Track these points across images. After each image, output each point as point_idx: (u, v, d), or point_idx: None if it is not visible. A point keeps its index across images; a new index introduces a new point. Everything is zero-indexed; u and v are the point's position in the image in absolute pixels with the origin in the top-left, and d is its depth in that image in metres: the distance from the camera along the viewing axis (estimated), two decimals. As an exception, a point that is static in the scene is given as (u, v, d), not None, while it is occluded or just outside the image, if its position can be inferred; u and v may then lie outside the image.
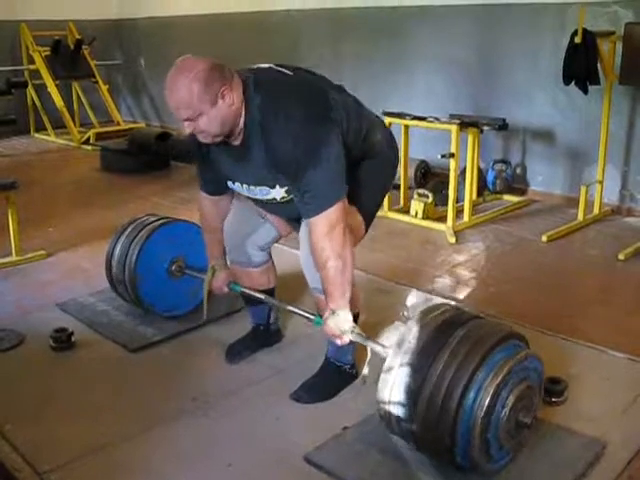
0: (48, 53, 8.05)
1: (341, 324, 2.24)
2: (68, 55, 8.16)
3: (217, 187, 2.54)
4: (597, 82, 4.44)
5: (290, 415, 2.49)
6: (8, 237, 4.04)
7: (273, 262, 2.84)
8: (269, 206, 2.47)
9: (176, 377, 2.77)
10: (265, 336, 2.94)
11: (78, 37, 8.30)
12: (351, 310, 2.35)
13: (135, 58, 9.30)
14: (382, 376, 2.01)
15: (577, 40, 4.28)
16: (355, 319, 2.54)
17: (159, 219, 3.20)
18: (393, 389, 1.99)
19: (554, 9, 5.01)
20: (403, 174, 4.95)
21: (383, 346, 2.13)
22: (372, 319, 3.07)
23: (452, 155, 4.42)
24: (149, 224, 3.13)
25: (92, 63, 8.40)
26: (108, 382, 2.74)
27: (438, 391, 1.91)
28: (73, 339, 2.98)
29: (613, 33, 4.47)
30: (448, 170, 4.56)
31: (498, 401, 1.91)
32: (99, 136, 7.82)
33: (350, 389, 2.62)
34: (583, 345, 2.97)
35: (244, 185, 2.38)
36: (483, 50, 5.57)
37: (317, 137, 2.15)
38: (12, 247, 4.04)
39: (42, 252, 4.16)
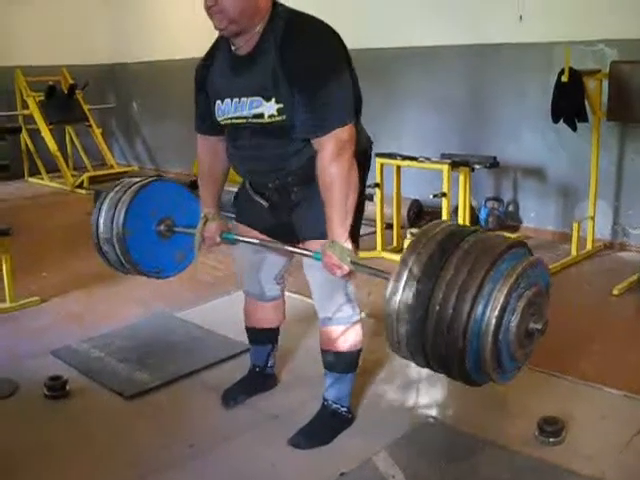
0: (42, 98, 8.12)
1: (340, 253, 2.23)
2: (62, 100, 8.22)
3: (212, 124, 2.51)
4: (585, 119, 4.50)
5: (287, 461, 2.47)
6: (2, 284, 4.03)
7: (285, 301, 2.85)
8: (247, 140, 2.39)
9: (173, 424, 2.76)
10: (261, 380, 2.93)
11: (71, 82, 8.38)
12: (355, 347, 2.37)
13: (128, 101, 9.39)
14: (388, 296, 1.94)
15: (564, 79, 4.35)
16: (357, 357, 2.56)
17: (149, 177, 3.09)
18: (400, 307, 1.92)
19: (541, 48, 5.09)
20: (396, 213, 4.98)
21: (385, 274, 2.06)
22: (370, 358, 3.10)
23: (444, 195, 4.45)
24: (138, 181, 2.97)
25: (85, 107, 8.46)
26: (104, 431, 2.72)
27: (447, 304, 1.85)
28: (68, 387, 2.96)
29: (599, 71, 4.54)
30: (441, 209, 4.59)
31: (508, 309, 1.86)
32: (93, 179, 7.86)
33: (347, 433, 2.61)
34: (580, 383, 2.97)
35: (234, 100, 2.33)
36: (472, 89, 5.65)
37: (340, 58, 2.25)
38: (6, 294, 4.03)
39: (36, 298, 4.15)
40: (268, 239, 2.55)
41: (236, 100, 2.34)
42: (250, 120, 2.32)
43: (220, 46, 2.44)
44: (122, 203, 2.78)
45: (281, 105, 2.23)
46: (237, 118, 2.36)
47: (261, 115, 2.28)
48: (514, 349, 1.93)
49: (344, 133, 2.21)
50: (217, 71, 2.43)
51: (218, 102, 2.41)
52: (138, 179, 2.94)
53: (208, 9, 2.22)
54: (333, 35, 2.27)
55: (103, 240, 2.83)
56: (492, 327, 1.83)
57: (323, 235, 2.30)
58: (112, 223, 2.77)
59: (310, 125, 2.22)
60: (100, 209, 2.81)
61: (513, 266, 1.89)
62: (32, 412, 2.87)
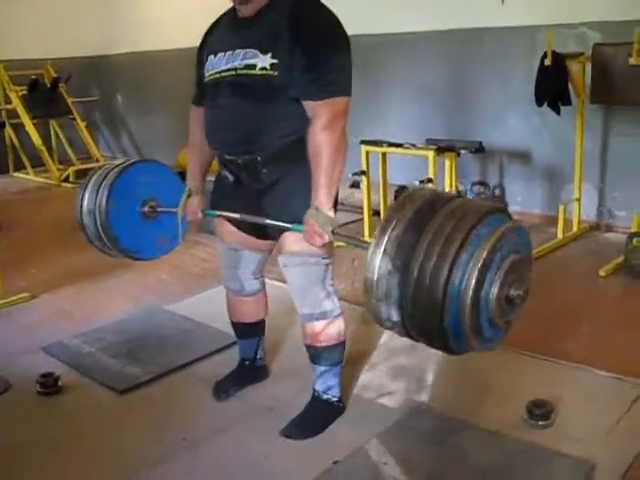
0: (25, 92, 8.06)
1: (323, 221, 2.22)
2: (45, 93, 8.16)
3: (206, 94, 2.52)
4: (569, 102, 4.52)
5: (280, 452, 2.49)
6: (-8, 280, 4.02)
7: (266, 294, 2.85)
8: (227, 99, 2.36)
9: (166, 417, 2.77)
10: (252, 372, 2.94)
11: (54, 75, 8.32)
12: (338, 340, 2.38)
13: (112, 94, 9.34)
14: (367, 262, 1.91)
15: (547, 62, 4.36)
16: (342, 349, 2.58)
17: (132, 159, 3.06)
18: (380, 277, 1.89)
19: (524, 32, 5.10)
20: (383, 200, 4.99)
21: (366, 244, 2.03)
22: (356, 347, 3.12)
23: (430, 180, 4.46)
24: (124, 162, 2.94)
25: (69, 100, 8.41)
26: (97, 426, 2.73)
27: (424, 273, 1.82)
28: (60, 383, 2.97)
29: (582, 54, 4.55)
30: (427, 195, 4.59)
31: (488, 273, 1.84)
32: (78, 173, 7.81)
33: (338, 422, 2.63)
34: (568, 365, 3.00)
35: (227, 53, 2.34)
36: (457, 74, 5.65)
37: (345, 39, 2.28)
38: (-4, 290, 4.03)
39: (26, 294, 4.15)
40: (249, 216, 2.47)
41: (229, 53, 2.34)
42: (239, 71, 2.30)
43: (223, 19, 2.49)
44: (108, 179, 2.77)
45: (276, 61, 2.23)
46: (226, 71, 2.34)
47: (253, 66, 2.26)
48: (494, 315, 1.90)
49: (341, 104, 2.23)
50: (216, 34, 2.47)
51: (211, 57, 2.42)
52: (123, 160, 2.93)
53: None
54: (339, 21, 2.30)
55: (86, 212, 2.81)
56: (471, 290, 1.80)
57: (295, 216, 2.29)
58: (97, 195, 2.76)
59: (312, 86, 2.22)
60: (86, 186, 2.82)
61: (493, 230, 1.87)
62: (25, 409, 2.88)
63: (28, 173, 8.33)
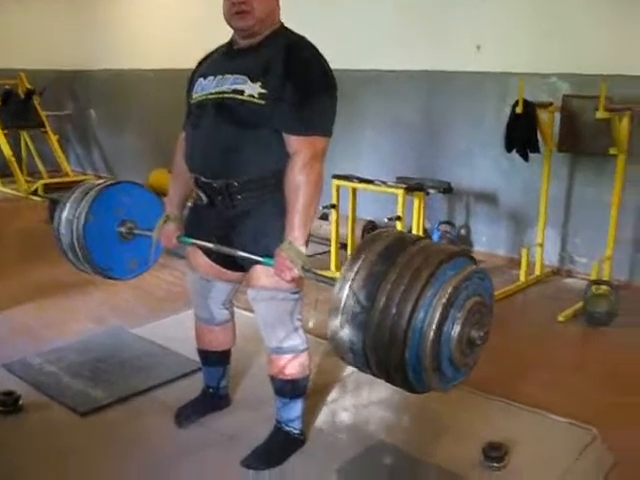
0: (-3, 102, 8.04)
1: (294, 256, 2.25)
2: (18, 105, 8.16)
3: None
4: (537, 150, 4.65)
5: (240, 482, 2.50)
6: (-46, 293, 4.00)
7: (234, 323, 2.87)
8: (211, 119, 2.38)
9: (127, 442, 2.76)
10: (214, 400, 2.95)
11: (28, 87, 8.30)
12: (303, 374, 2.44)
13: (86, 109, 9.32)
14: (332, 303, 1.95)
15: (518, 110, 4.49)
16: (306, 382, 2.62)
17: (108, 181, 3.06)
18: (343, 315, 1.93)
19: (496, 78, 5.25)
20: (351, 234, 5.05)
21: (332, 280, 2.06)
22: (319, 381, 3.15)
23: (399, 218, 4.54)
24: (108, 181, 2.99)
25: (42, 113, 8.39)
26: (57, 449, 2.71)
27: (387, 313, 1.86)
28: (20, 402, 2.95)
29: (551, 104, 4.69)
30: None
31: (449, 318, 1.87)
32: (48, 187, 7.78)
33: (298, 455, 2.65)
34: (524, 409, 3.06)
35: (217, 77, 2.39)
36: (429, 114, 5.77)
37: (333, 82, 2.37)
38: (-42, 304, 4.01)
39: (-12, 309, 4.12)
40: (222, 247, 2.48)
41: (219, 77, 2.39)
42: (226, 95, 2.34)
43: (218, 49, 2.55)
44: (91, 193, 2.79)
45: (265, 91, 2.27)
46: (214, 94, 2.38)
47: (241, 92, 2.31)
48: (455, 353, 1.93)
49: (322, 143, 2.30)
50: (209, 61, 2.53)
51: (200, 79, 2.46)
52: (108, 178, 2.95)
53: (234, 7, 2.31)
54: (330, 69, 2.38)
55: (64, 222, 2.81)
56: (434, 324, 1.84)
57: (266, 249, 2.32)
58: (78, 207, 2.77)
59: (296, 121, 2.28)
60: (69, 197, 2.83)
61: (460, 270, 1.92)
62: (-17, 427, 2.86)
63: (-5, 183, 8.27)
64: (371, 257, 1.95)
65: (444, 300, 1.85)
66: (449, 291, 1.86)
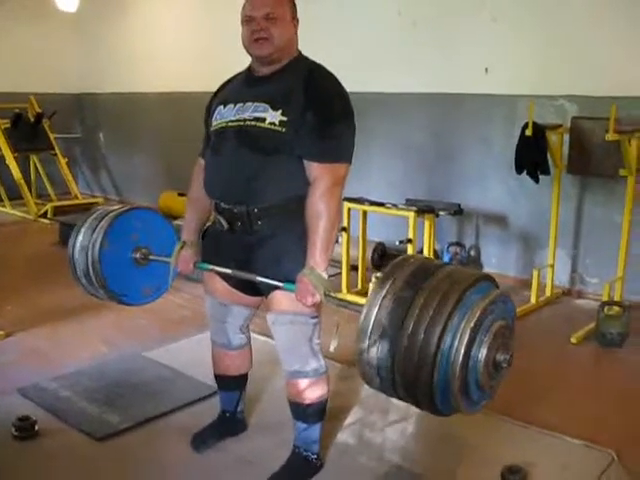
0: (8, 125, 8.09)
1: (316, 281, 2.27)
2: (28, 128, 8.22)
3: None
4: (547, 172, 4.67)
5: (258, 507, 2.51)
6: (-34, 317, 4.01)
7: (251, 348, 2.87)
8: (231, 149, 2.40)
9: (144, 467, 2.76)
10: (231, 425, 2.95)
11: (38, 110, 8.36)
12: (322, 398, 2.45)
13: (94, 132, 9.40)
14: (359, 331, 1.98)
15: (528, 133, 4.51)
16: (324, 407, 2.61)
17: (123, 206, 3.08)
18: (371, 342, 1.96)
19: (505, 100, 5.29)
20: (361, 256, 5.07)
21: (349, 303, 2.11)
22: (336, 404, 3.14)
23: (409, 241, 4.55)
24: (122, 207, 3.00)
25: (52, 136, 8.45)
26: (75, 474, 2.71)
27: (416, 336, 1.89)
28: (37, 428, 2.96)
29: (560, 126, 4.72)
30: (404, 252, 4.68)
31: (476, 342, 1.91)
32: (57, 210, 7.83)
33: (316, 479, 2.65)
34: (540, 432, 3.05)
35: (237, 105, 2.41)
36: (439, 136, 5.80)
37: (352, 111, 2.42)
38: (-30, 328, 4.01)
39: (0, 332, 4.12)
40: (240, 272, 2.48)
41: (240, 105, 2.41)
42: (247, 123, 2.36)
43: (237, 76, 2.58)
44: (106, 219, 2.81)
45: (285, 119, 2.30)
46: (234, 121, 2.40)
47: (262, 119, 2.33)
48: (482, 376, 1.97)
49: (342, 170, 2.35)
50: (229, 88, 2.56)
51: (220, 107, 2.49)
52: (123, 205, 2.97)
53: (254, 35, 2.34)
54: (349, 97, 2.44)
55: (79, 248, 2.81)
56: (463, 348, 1.87)
57: (286, 274, 2.34)
58: (93, 233, 2.78)
59: (318, 148, 2.31)
60: (84, 222, 2.84)
61: (484, 295, 1.95)
62: (1, 453, 2.85)
63: (5, 206, 8.31)
64: (398, 283, 1.98)
65: (472, 324, 1.88)
66: (477, 315, 1.89)
